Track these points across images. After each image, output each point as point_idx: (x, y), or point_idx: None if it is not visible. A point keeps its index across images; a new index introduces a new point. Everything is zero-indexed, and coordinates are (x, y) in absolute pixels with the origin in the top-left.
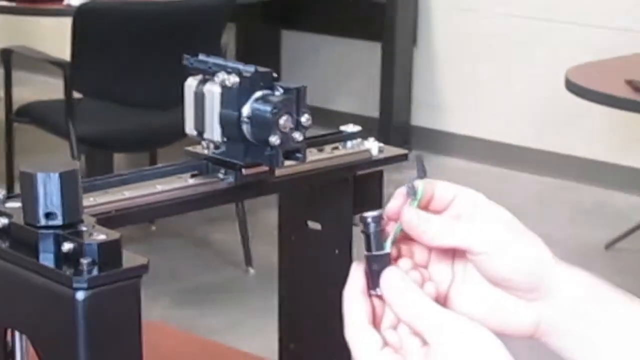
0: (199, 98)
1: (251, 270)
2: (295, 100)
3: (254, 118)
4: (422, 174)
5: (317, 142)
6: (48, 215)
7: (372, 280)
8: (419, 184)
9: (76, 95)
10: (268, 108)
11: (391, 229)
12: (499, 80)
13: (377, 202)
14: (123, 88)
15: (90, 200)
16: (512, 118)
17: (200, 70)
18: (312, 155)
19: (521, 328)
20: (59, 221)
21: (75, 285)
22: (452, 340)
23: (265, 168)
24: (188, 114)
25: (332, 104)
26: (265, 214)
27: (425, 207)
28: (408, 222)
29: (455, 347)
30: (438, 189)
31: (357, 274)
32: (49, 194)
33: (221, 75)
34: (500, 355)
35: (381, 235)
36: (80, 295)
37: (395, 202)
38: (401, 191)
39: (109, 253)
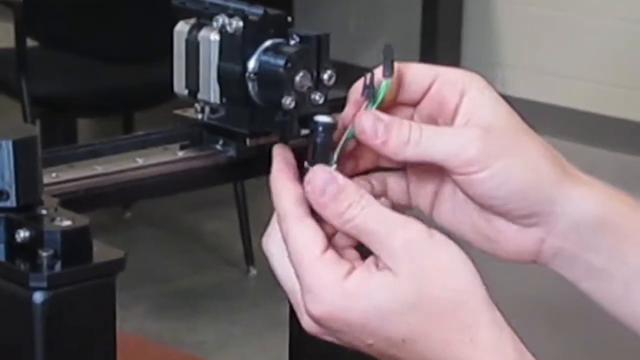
0: (192, 48)
1: (253, 271)
2: (315, 52)
3: (262, 74)
4: (389, 71)
5: (342, 106)
6: None
7: None
8: (382, 83)
9: (30, 43)
10: (280, 61)
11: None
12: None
13: None
14: (89, 35)
15: (52, 176)
16: (579, 80)
17: (194, 12)
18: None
19: (518, 255)
20: (12, 202)
21: (32, 284)
22: (409, 255)
23: (275, 137)
24: (177, 68)
25: (359, 59)
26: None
27: (393, 98)
28: (362, 131)
29: (414, 260)
30: (410, 72)
31: (282, 156)
32: None
33: (221, 19)
34: (465, 274)
35: (330, 147)
36: (38, 297)
37: (350, 108)
38: (356, 89)
39: (75, 243)
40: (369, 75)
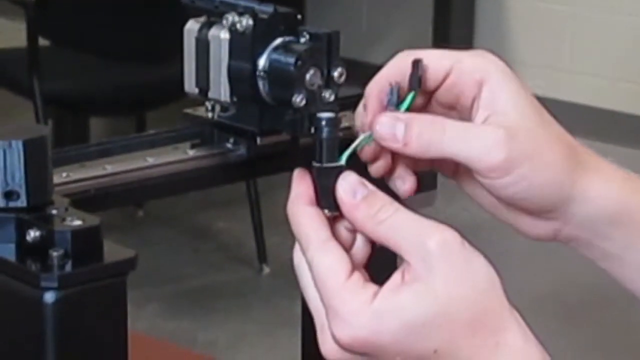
0: (202, 46)
1: (266, 269)
2: (326, 49)
3: (272, 72)
4: (417, 83)
5: (353, 104)
6: (8, 195)
7: (320, 198)
8: (409, 94)
9: (42, 42)
10: (291, 59)
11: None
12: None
13: (431, 182)
14: (101, 34)
15: (62, 176)
16: (592, 76)
17: (204, 11)
18: (347, 119)
19: (536, 237)
20: (22, 202)
21: (43, 284)
22: (440, 261)
23: (286, 136)
24: (188, 67)
25: (371, 56)
26: (285, 197)
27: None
28: (382, 133)
29: (448, 261)
30: (425, 61)
31: (303, 181)
32: (9, 167)
33: (230, 17)
34: (488, 273)
35: (336, 142)
36: (49, 297)
37: (371, 115)
38: (378, 96)
39: (86, 243)
40: (395, 86)
